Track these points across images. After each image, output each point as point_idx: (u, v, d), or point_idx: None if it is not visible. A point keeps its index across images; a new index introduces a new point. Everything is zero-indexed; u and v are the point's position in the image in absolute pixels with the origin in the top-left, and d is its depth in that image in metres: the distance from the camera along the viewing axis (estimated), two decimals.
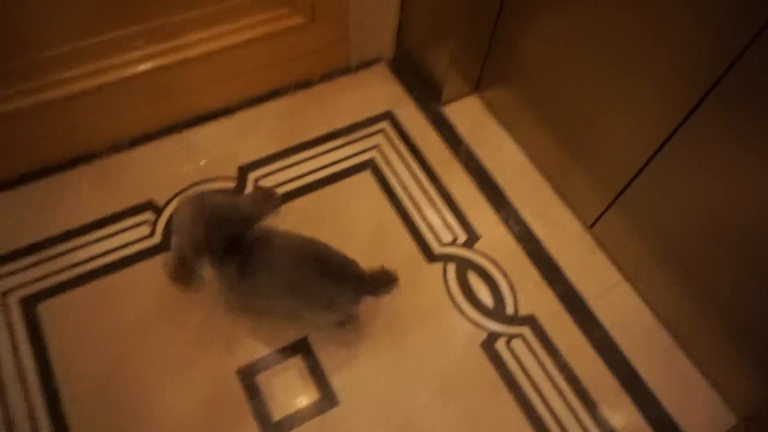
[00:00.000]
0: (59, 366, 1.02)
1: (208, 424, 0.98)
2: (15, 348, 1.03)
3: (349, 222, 1.21)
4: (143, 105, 1.23)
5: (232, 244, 0.89)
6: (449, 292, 1.14)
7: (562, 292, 1.15)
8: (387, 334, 1.08)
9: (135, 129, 1.27)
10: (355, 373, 1.04)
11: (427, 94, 1.40)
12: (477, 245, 1.20)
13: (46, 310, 1.07)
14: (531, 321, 1.12)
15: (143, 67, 1.16)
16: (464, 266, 1.17)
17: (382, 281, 0.98)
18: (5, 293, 1.08)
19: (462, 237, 1.21)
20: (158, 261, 1.13)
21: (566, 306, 1.14)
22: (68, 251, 1.13)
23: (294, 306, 1.00)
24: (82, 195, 1.20)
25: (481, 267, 1.17)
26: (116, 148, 1.26)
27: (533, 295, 1.15)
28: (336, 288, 0.93)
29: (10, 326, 1.05)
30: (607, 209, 1.15)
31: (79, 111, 1.16)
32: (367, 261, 1.17)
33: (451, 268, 1.17)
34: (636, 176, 1.04)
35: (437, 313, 1.11)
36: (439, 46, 1.28)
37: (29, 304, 1.07)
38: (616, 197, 1.11)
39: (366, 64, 1.44)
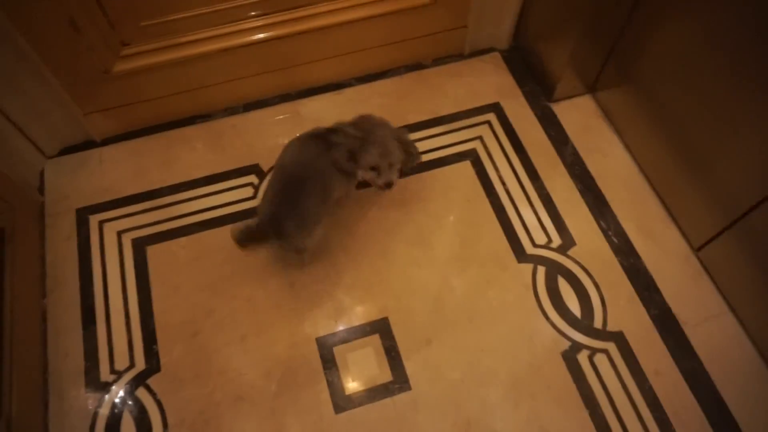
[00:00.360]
0: (158, 307, 1.10)
1: (282, 385, 1.03)
2: (124, 284, 1.13)
3: (443, 208, 1.20)
4: (260, 72, 1.28)
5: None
6: (536, 295, 1.11)
7: (657, 314, 1.09)
8: (468, 326, 1.08)
9: (250, 95, 1.33)
10: (431, 361, 1.05)
11: (539, 89, 1.35)
12: (571, 251, 1.15)
13: (153, 253, 1.16)
14: (618, 338, 1.07)
15: (264, 35, 1.20)
16: (555, 271, 1.13)
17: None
18: (121, 233, 1.18)
19: (557, 240, 1.17)
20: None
21: (659, 329, 1.08)
22: (178, 202, 1.21)
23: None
24: (196, 152, 1.28)
25: (573, 274, 1.13)
26: (231, 110, 1.33)
27: (625, 312, 1.09)
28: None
29: (121, 264, 1.15)
30: (720, 233, 1.06)
31: (202, 73, 1.23)
32: (456, 250, 1.16)
33: (542, 271, 1.13)
34: (761, 203, 0.95)
35: (521, 313, 1.09)
36: (560, 40, 1.23)
37: (139, 246, 1.17)
38: (734, 222, 1.02)
39: (479, 53, 1.42)
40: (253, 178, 1.24)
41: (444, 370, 1.04)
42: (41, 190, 1.23)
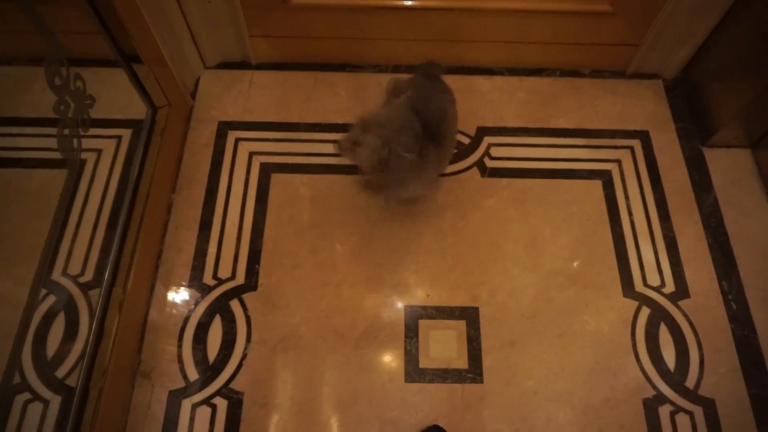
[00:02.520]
0: (269, 231, 1.16)
1: (363, 339, 1.06)
2: (244, 201, 1.19)
3: (561, 219, 1.17)
4: (419, 39, 1.29)
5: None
6: (633, 334, 1.07)
7: (757, 394, 1.02)
8: (555, 341, 1.06)
9: (402, 58, 1.34)
10: (509, 363, 1.04)
11: (694, 128, 1.28)
12: (683, 302, 1.10)
13: (276, 181, 1.21)
14: (708, 405, 1.01)
15: (436, 3, 1.20)
16: (660, 316, 1.08)
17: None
18: (252, 153, 1.25)
19: (670, 287, 1.11)
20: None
21: (756, 410, 1.01)
22: (310, 141, 1.26)
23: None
24: (338, 98, 1.31)
25: (678, 326, 1.08)
26: (380, 68, 1.35)
27: (723, 381, 1.04)
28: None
29: (246, 183, 1.21)
30: None
31: (366, 25, 1.26)
32: (563, 264, 1.14)
33: (645, 312, 1.09)
34: None
35: (613, 347, 1.06)
36: (738, 86, 1.15)
37: (266, 171, 1.23)
38: None
39: (642, 76, 1.35)
40: None
41: (520, 376, 1.03)
42: (193, 95, 1.32)
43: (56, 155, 1.22)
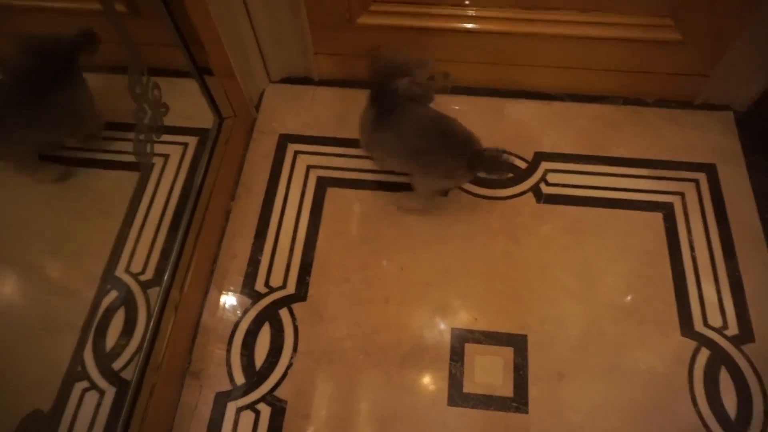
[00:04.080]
0: (321, 244, 1.18)
1: (408, 358, 1.05)
2: (299, 213, 1.22)
3: (617, 251, 1.14)
4: (480, 62, 1.30)
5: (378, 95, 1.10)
6: (691, 376, 1.02)
7: None
8: (605, 377, 1.02)
9: (463, 79, 1.34)
10: (557, 396, 1.01)
11: (766, 164, 1.22)
12: (746, 347, 1.04)
13: (331, 195, 1.24)
14: None
15: (498, 27, 1.20)
16: (721, 360, 1.03)
17: (497, 161, 1.06)
18: (310, 167, 1.28)
19: (733, 329, 1.06)
20: (432, 200, 1.22)
21: None
22: (367, 157, 1.27)
23: (414, 169, 1.12)
24: None
25: (741, 372, 1.02)
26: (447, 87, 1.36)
27: None
28: (454, 161, 1.05)
29: (302, 195, 1.24)
30: None
31: (431, 46, 1.26)
32: (618, 297, 1.11)
33: (705, 354, 1.04)
34: None
35: (667, 388, 1.01)
36: None
37: (322, 184, 1.25)
38: None
39: (711, 107, 1.30)
40: None
41: (567, 410, 1.00)
42: (257, 107, 1.37)
43: (127, 158, 1.30)
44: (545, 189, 1.22)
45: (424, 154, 1.07)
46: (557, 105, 1.33)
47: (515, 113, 1.33)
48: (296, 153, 1.30)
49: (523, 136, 1.29)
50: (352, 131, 1.31)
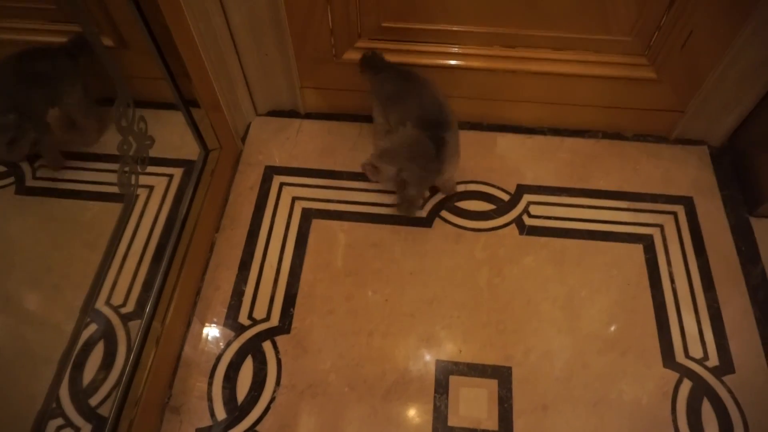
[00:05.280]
0: (306, 275, 1.18)
1: (392, 391, 1.04)
2: (284, 245, 1.22)
3: (600, 282, 1.15)
4: (464, 96, 1.33)
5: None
6: (674, 408, 1.02)
7: None
8: (590, 408, 1.02)
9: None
10: (541, 427, 1.01)
11: (741, 197, 1.26)
12: (727, 378, 1.05)
13: (317, 226, 1.24)
14: None
15: (481, 64, 1.24)
16: (702, 391, 1.04)
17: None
18: (295, 198, 1.28)
19: (713, 360, 1.07)
20: (416, 232, 1.23)
21: None
22: (352, 189, 1.29)
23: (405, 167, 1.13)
24: None
25: (722, 403, 1.03)
26: None
27: None
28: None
29: (287, 226, 1.24)
30: None
31: None
32: (601, 328, 1.11)
33: (687, 385, 1.04)
34: None
35: (651, 419, 1.01)
36: None
37: (307, 216, 1.26)
38: None
39: (686, 141, 1.35)
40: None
41: None
42: (243, 140, 1.38)
43: (111, 189, 1.29)
44: (528, 221, 1.23)
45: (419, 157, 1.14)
46: (539, 138, 1.36)
47: (499, 146, 1.35)
48: (282, 185, 1.31)
49: (507, 168, 1.31)
50: (338, 163, 1.33)
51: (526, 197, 1.26)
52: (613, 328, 1.11)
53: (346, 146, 1.36)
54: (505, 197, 1.27)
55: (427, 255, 1.20)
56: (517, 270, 1.18)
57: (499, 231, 1.22)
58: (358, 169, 1.31)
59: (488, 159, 1.33)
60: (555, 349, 1.09)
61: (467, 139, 1.36)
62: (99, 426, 0.98)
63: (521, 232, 1.22)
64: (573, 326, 1.11)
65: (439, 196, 1.27)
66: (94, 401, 1.02)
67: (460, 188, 1.28)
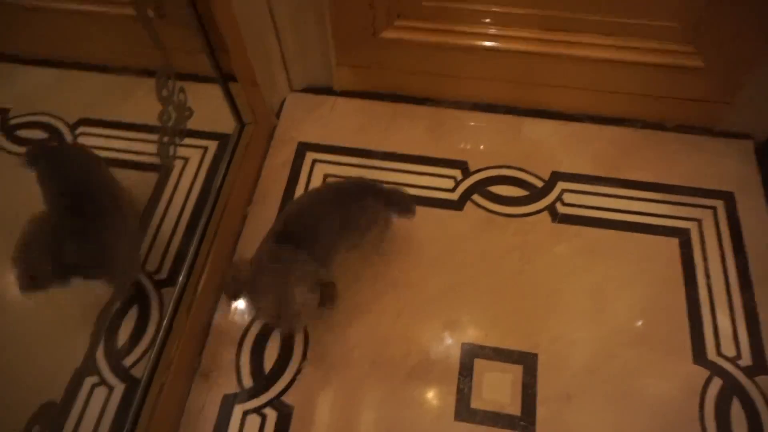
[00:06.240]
0: None
1: (416, 371, 1.05)
2: None
3: (632, 274, 1.13)
4: (501, 79, 1.31)
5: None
6: (702, 406, 1.01)
7: None
8: (615, 401, 1.01)
9: (483, 96, 1.36)
10: (564, 417, 1.00)
11: None
12: (760, 378, 1.02)
13: None
14: None
15: (523, 47, 1.21)
16: (733, 390, 1.02)
17: (398, 197, 1.06)
18: (327, 175, 1.29)
19: (746, 360, 1.04)
20: (447, 215, 1.22)
21: None
22: (384, 169, 1.29)
23: (349, 242, 1.04)
24: (417, 130, 1.34)
25: (753, 404, 1.00)
26: (459, 104, 1.37)
27: None
28: (366, 201, 1.01)
29: None
30: None
31: (453, 62, 1.28)
32: (630, 322, 1.10)
33: (717, 384, 1.02)
34: None
35: (678, 416, 1.00)
36: None
37: None
38: None
39: (730, 135, 1.30)
40: (457, 174, 1.27)
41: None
42: (278, 115, 1.39)
43: (147, 159, 1.32)
44: (561, 209, 1.22)
45: (348, 217, 1.00)
46: (576, 126, 1.34)
47: (533, 132, 1.33)
48: (314, 161, 1.31)
49: (541, 155, 1.29)
50: (371, 142, 1.33)
51: (561, 185, 1.24)
52: (642, 322, 1.09)
53: (379, 126, 1.36)
54: (539, 183, 1.25)
55: (457, 238, 1.19)
56: (548, 258, 1.16)
57: (531, 218, 1.21)
58: (392, 149, 1.31)
59: (523, 144, 1.31)
60: (582, 339, 1.08)
61: (501, 123, 1.35)
62: (132, 387, 1.01)
63: (554, 220, 1.20)
64: (602, 317, 1.10)
65: (472, 179, 1.26)
66: (127, 362, 1.06)
67: (493, 173, 1.27)
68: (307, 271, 0.89)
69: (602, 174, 1.26)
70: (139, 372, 1.00)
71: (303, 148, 1.34)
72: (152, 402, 0.95)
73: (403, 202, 1.07)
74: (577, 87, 1.29)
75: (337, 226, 0.96)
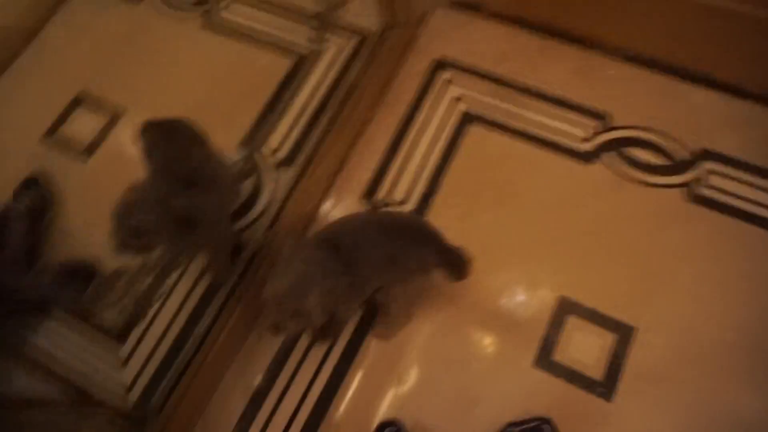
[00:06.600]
0: (449, 178, 1.16)
1: (506, 309, 1.04)
2: (435, 140, 1.20)
3: (760, 276, 1.03)
4: (673, 33, 1.17)
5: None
6: None
7: None
8: (707, 404, 0.95)
9: (644, 48, 1.23)
10: (648, 395, 0.95)
11: None
12: None
13: (471, 132, 1.20)
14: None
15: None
16: None
17: (458, 259, 0.94)
18: (456, 99, 1.24)
19: None
20: (570, 165, 1.16)
21: None
22: (518, 104, 1.22)
23: (390, 278, 0.94)
24: (561, 72, 1.25)
25: None
26: (614, 52, 1.25)
27: None
28: (423, 249, 0.91)
29: (442, 125, 1.22)
30: None
31: (614, 6, 1.17)
32: (746, 325, 0.99)
33: None
34: None
35: None
36: None
37: (465, 120, 1.22)
38: None
39: None
40: (594, 124, 1.18)
41: (655, 416, 0.94)
42: (422, 26, 1.34)
43: (286, 44, 1.33)
44: (701, 189, 1.11)
45: (395, 260, 0.90)
46: (747, 104, 1.18)
47: (694, 100, 1.20)
48: (447, 81, 1.27)
49: (695, 126, 1.17)
50: (511, 73, 1.26)
51: (708, 165, 1.13)
52: (758, 330, 1.00)
53: (522, 57, 1.28)
54: (684, 156, 1.14)
55: (581, 193, 1.13)
56: (673, 235, 1.08)
57: (666, 190, 1.11)
58: (531, 85, 1.24)
59: (677, 110, 1.19)
60: (687, 327, 1.00)
61: (656, 83, 1.22)
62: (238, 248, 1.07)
63: (689, 199, 1.10)
64: (714, 311, 1.01)
65: (610, 134, 1.17)
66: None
67: (634, 133, 1.17)
68: (337, 284, 0.82)
69: (760, 164, 1.13)
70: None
71: (439, 64, 1.29)
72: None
73: (461, 268, 0.96)
74: (764, 60, 1.13)
75: (385, 260, 0.88)
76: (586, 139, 1.18)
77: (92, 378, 1.04)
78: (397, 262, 0.89)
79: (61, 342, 1.09)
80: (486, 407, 0.97)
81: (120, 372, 1.05)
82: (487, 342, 1.02)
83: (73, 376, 1.05)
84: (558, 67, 1.26)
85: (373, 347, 1.03)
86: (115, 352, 1.06)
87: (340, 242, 0.85)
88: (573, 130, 1.19)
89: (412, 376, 1.01)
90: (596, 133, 1.18)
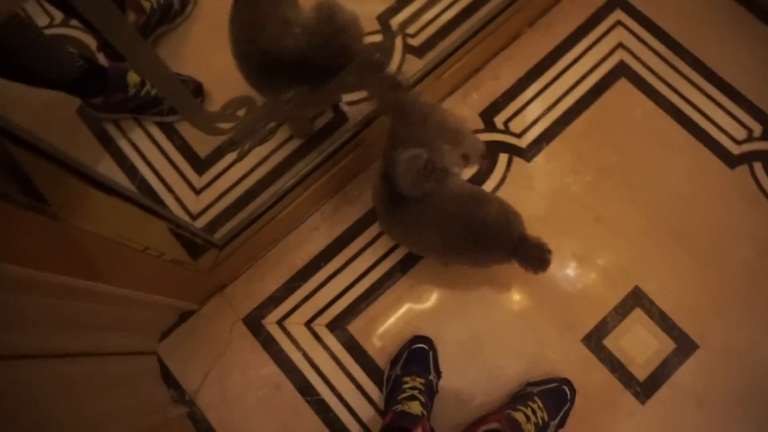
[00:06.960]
0: (577, 123, 1.08)
1: (570, 284, 1.01)
2: (579, 80, 1.10)
3: None
4: None
5: None
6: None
7: None
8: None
9: None
10: (683, 414, 0.94)
11: None
12: None
13: (621, 86, 1.10)
14: None
15: None
16: None
17: (535, 256, 0.85)
18: (619, 46, 1.12)
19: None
20: (711, 162, 1.05)
21: None
22: (684, 75, 1.10)
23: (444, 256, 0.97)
24: (751, 53, 1.10)
25: None
26: None
27: None
28: (488, 255, 0.88)
29: (595, 66, 1.11)
30: None
31: None
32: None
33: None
34: None
35: None
36: None
37: (619, 70, 1.11)
38: None
39: None
40: (757, 128, 1.05)
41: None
42: None
43: None
44: None
45: (452, 249, 0.89)
46: None
47: None
48: (617, 23, 1.14)
49: None
50: (691, 39, 1.12)
51: None
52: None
53: (714, 28, 1.12)
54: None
55: (710, 194, 1.04)
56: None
57: None
58: (708, 63, 1.10)
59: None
60: (753, 361, 0.96)
61: None
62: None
63: None
64: None
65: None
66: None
67: None
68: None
69: None
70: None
71: (615, 4, 1.15)
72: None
73: (543, 262, 0.85)
74: None
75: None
76: (741, 141, 1.06)
77: (164, 198, 1.09)
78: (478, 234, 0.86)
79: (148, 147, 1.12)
80: (517, 362, 0.98)
81: (192, 199, 1.09)
82: (547, 302, 1.00)
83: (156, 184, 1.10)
84: (749, 50, 1.11)
85: (431, 270, 1.04)
86: (191, 180, 1.10)
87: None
88: (732, 127, 1.07)
89: (453, 308, 1.01)
90: (755, 139, 1.05)
